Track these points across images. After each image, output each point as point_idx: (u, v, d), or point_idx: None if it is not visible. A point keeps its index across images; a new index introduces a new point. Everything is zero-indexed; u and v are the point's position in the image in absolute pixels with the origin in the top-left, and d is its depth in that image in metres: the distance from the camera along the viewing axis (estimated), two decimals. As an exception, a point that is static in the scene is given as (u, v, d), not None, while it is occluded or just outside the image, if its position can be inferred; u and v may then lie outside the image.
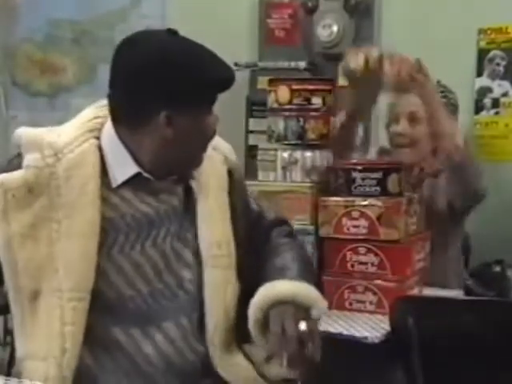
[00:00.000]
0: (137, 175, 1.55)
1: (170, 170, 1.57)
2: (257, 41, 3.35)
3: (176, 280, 1.58)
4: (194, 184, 1.62)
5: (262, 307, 1.54)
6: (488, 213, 2.75)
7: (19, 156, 1.54)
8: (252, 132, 3.32)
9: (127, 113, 1.53)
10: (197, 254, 1.61)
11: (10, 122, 3.91)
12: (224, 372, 1.60)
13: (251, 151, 3.10)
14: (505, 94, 2.89)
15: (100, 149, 1.54)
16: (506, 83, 2.88)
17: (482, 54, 2.91)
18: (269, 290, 1.56)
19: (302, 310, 1.53)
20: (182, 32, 1.57)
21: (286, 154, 2.31)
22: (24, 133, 1.55)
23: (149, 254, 1.56)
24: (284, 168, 2.31)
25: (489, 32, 2.89)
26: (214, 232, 1.63)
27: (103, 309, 1.51)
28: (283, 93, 2.33)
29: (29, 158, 1.50)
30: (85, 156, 1.51)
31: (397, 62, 2.20)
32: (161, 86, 1.48)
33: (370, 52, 2.20)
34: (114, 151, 1.54)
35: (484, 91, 2.91)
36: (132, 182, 1.55)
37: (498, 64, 2.88)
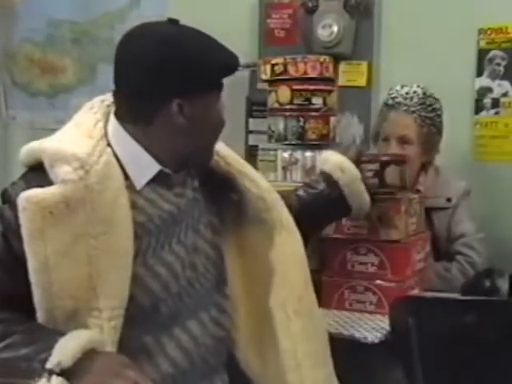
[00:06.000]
0: (157, 175, 1.53)
1: (185, 162, 1.56)
2: (257, 41, 3.34)
3: (195, 273, 1.56)
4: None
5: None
6: (487, 213, 2.75)
7: (34, 172, 1.47)
8: (252, 132, 3.32)
9: (138, 107, 1.50)
10: (210, 243, 1.60)
11: (9, 122, 3.92)
12: (248, 366, 1.60)
13: (251, 151, 3.10)
14: (505, 94, 2.88)
15: (115, 156, 1.50)
16: (506, 83, 2.87)
17: (481, 54, 2.91)
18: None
19: None
20: (182, 32, 1.56)
21: (286, 154, 2.32)
22: (45, 146, 1.47)
23: (176, 251, 1.53)
24: (284, 168, 2.32)
25: (489, 32, 2.88)
26: (259, 185, 1.66)
27: (136, 317, 1.46)
28: (284, 93, 2.33)
29: (61, 172, 1.41)
30: (109, 167, 1.46)
31: None
32: (170, 74, 1.46)
33: None
34: (129, 153, 1.51)
35: (484, 91, 2.91)
36: (151, 179, 1.53)
37: (498, 64, 2.88)
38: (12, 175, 3.82)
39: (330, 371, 1.66)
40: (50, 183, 1.42)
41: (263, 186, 1.67)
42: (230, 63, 1.55)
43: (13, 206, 1.42)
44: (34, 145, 1.51)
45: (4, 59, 3.93)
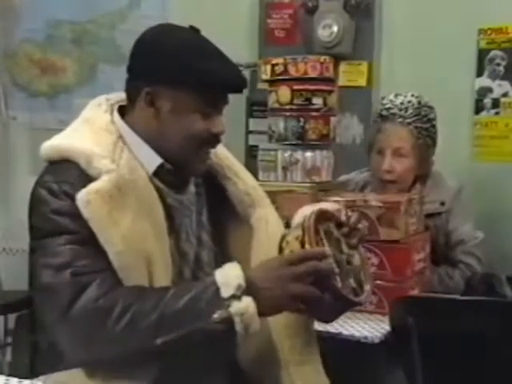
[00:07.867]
0: (159, 168, 1.56)
1: (170, 155, 1.57)
2: (257, 41, 3.35)
3: (200, 263, 1.61)
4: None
5: None
6: (487, 213, 2.76)
7: (61, 166, 1.50)
8: (252, 132, 3.32)
9: (128, 90, 1.56)
10: (212, 236, 1.65)
11: (9, 122, 3.91)
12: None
13: (251, 151, 3.10)
14: (505, 94, 2.89)
15: (131, 151, 1.54)
16: (506, 83, 2.88)
17: (482, 54, 2.91)
18: None
19: None
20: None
21: (286, 154, 2.32)
22: (71, 144, 1.52)
23: (190, 241, 1.59)
24: (284, 168, 2.32)
25: (489, 32, 2.89)
26: (246, 181, 1.69)
27: None
28: (284, 93, 2.33)
29: (102, 165, 1.47)
30: (131, 161, 1.52)
31: None
32: (151, 61, 1.51)
33: None
34: (136, 148, 1.55)
35: (484, 91, 2.91)
36: (157, 173, 1.56)
37: (498, 64, 2.88)
38: (12, 175, 3.80)
39: (317, 367, 1.66)
40: (90, 179, 1.47)
41: (249, 183, 1.72)
42: (219, 77, 1.51)
43: (65, 195, 1.45)
44: (55, 142, 1.54)
45: (4, 59, 3.92)
